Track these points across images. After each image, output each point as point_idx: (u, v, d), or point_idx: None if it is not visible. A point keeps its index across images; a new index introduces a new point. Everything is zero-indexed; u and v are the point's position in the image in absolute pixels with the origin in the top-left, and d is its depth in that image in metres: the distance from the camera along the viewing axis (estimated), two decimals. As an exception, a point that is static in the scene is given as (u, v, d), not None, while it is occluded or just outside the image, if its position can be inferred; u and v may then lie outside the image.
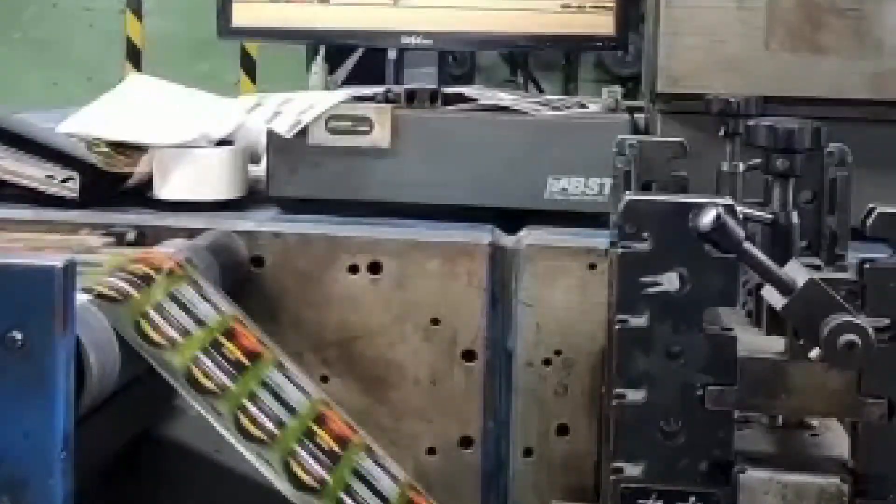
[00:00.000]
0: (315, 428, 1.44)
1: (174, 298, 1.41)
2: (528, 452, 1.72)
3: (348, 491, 1.39)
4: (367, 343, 1.74)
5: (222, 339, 1.43)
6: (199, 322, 1.41)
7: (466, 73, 4.24)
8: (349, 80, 2.11)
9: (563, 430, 1.71)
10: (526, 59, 4.07)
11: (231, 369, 1.39)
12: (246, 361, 1.43)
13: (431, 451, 1.73)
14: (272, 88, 2.09)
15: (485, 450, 1.73)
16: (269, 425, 1.36)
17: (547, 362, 1.70)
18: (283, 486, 1.32)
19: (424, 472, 1.70)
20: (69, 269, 1.11)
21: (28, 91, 5.43)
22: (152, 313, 1.35)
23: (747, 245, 1.05)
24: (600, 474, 1.41)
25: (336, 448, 1.43)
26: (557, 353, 1.70)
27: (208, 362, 1.36)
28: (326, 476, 1.37)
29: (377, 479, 1.46)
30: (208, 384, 1.33)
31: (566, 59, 4.61)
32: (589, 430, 1.67)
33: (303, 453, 1.37)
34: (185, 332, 1.37)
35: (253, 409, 1.37)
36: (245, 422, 1.34)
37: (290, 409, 1.43)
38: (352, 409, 1.62)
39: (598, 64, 4.65)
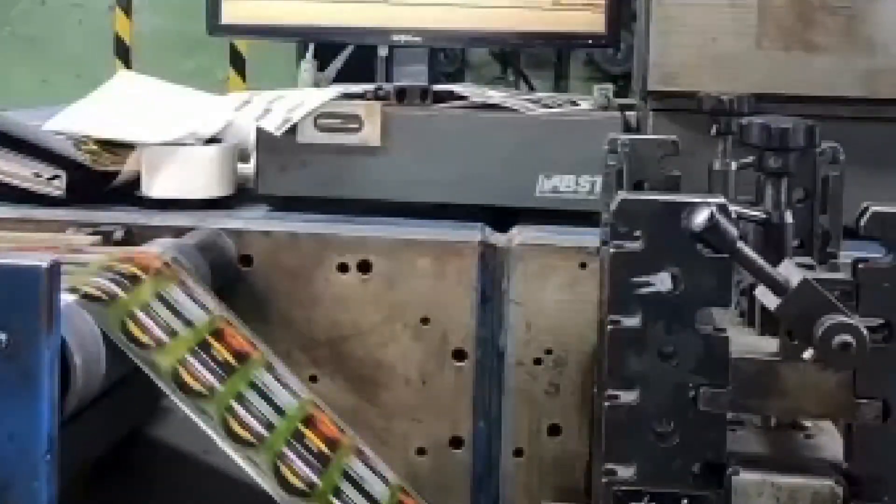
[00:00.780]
0: (304, 429, 1.42)
1: (161, 299, 1.39)
2: (518, 452, 1.71)
3: (338, 494, 1.38)
4: (357, 342, 1.73)
5: (210, 340, 1.41)
6: (187, 323, 1.40)
7: (457, 71, 4.24)
8: (340, 78, 2.09)
9: (554, 430, 1.70)
10: (517, 56, 4.06)
11: (219, 370, 1.37)
12: (234, 362, 1.41)
13: (421, 451, 1.72)
14: (262, 86, 2.07)
15: (475, 450, 1.72)
16: (258, 427, 1.35)
17: (538, 362, 1.69)
18: (272, 489, 1.31)
19: (414, 472, 1.69)
20: (54, 270, 1.09)
21: (17, 88, 5.40)
22: (139, 313, 1.33)
23: (741, 245, 1.04)
24: (592, 475, 1.40)
25: (325, 450, 1.42)
26: (548, 352, 1.69)
27: (196, 363, 1.35)
28: (316, 479, 1.36)
29: (367, 482, 1.45)
30: (196, 385, 1.32)
31: (557, 56, 4.60)
32: (580, 430, 1.66)
33: (291, 455, 1.36)
34: (173, 333, 1.36)
35: (241, 410, 1.35)
36: (233, 423, 1.32)
37: (279, 411, 1.41)
38: (341, 408, 1.61)
39: (588, 62, 4.64)
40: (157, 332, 1.33)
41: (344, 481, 1.41)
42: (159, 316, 1.36)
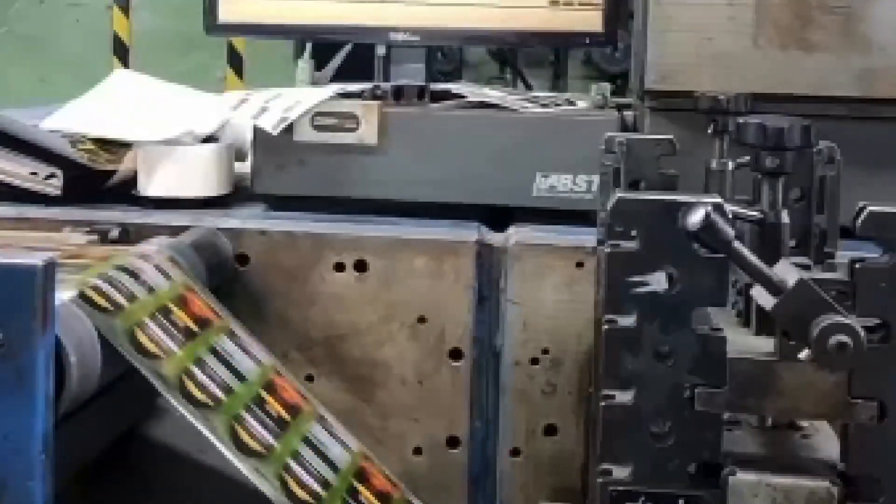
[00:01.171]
0: (265, 395, 1.41)
1: (123, 269, 1.39)
2: (515, 452, 1.71)
3: (296, 457, 1.37)
4: (354, 342, 1.73)
5: (171, 306, 1.41)
6: (150, 289, 1.39)
7: (455, 70, 4.22)
8: (338, 77, 2.10)
9: (550, 429, 1.69)
10: (514, 55, 4.05)
11: (179, 335, 1.37)
12: (195, 328, 1.41)
13: (418, 450, 1.72)
14: (260, 84, 2.07)
15: (472, 450, 1.72)
16: (215, 390, 1.34)
17: (534, 361, 1.69)
18: (228, 450, 1.30)
19: (411, 472, 1.68)
20: (49, 269, 1.09)
21: (15, 87, 5.40)
22: (99, 282, 1.33)
23: (736, 244, 1.03)
24: (588, 475, 1.39)
25: (286, 415, 1.41)
26: (545, 351, 1.69)
27: (155, 327, 1.34)
28: (273, 442, 1.35)
29: (327, 447, 1.44)
30: (153, 348, 1.31)
31: (555, 55, 4.60)
32: (577, 429, 1.66)
33: (250, 419, 1.35)
34: (132, 297, 1.35)
35: (200, 374, 1.34)
36: (190, 386, 1.31)
37: (240, 376, 1.41)
38: (338, 408, 1.61)
39: (586, 61, 4.63)
40: (116, 296, 1.33)
41: (303, 446, 1.41)
42: (121, 283, 1.36)
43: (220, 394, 1.34)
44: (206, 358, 1.38)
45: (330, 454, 1.43)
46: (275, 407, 1.41)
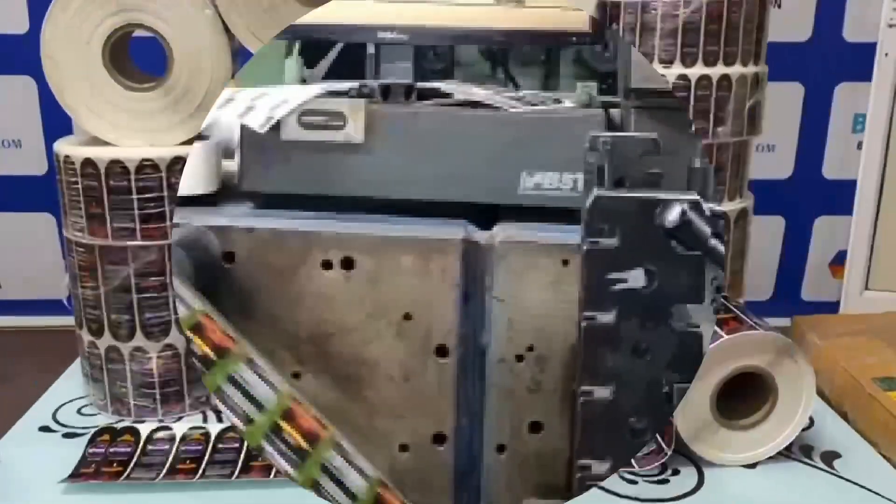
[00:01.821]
0: (283, 424, 1.42)
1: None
2: (500, 449, 1.71)
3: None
4: (341, 340, 1.73)
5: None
6: None
7: (446, 69, 4.23)
8: (331, 75, 2.10)
9: (535, 426, 1.70)
10: (505, 54, 4.06)
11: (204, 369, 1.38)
12: (213, 357, 1.41)
13: (404, 447, 1.73)
14: (253, 83, 2.07)
15: (458, 446, 1.72)
16: (235, 421, 1.35)
17: (520, 358, 1.70)
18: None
19: (397, 469, 1.69)
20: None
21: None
22: None
23: (713, 242, 1.04)
24: (572, 472, 1.40)
25: (304, 445, 1.42)
26: (530, 349, 1.70)
27: None
28: (293, 473, 1.36)
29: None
30: None
31: (546, 55, 4.60)
32: (562, 426, 1.67)
33: (269, 449, 1.36)
34: None
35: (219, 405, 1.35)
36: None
37: (258, 405, 1.41)
38: (325, 406, 1.62)
39: (577, 60, 4.64)
40: None
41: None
42: None
43: (240, 425, 1.35)
44: (226, 387, 1.39)
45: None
46: (294, 436, 1.42)
